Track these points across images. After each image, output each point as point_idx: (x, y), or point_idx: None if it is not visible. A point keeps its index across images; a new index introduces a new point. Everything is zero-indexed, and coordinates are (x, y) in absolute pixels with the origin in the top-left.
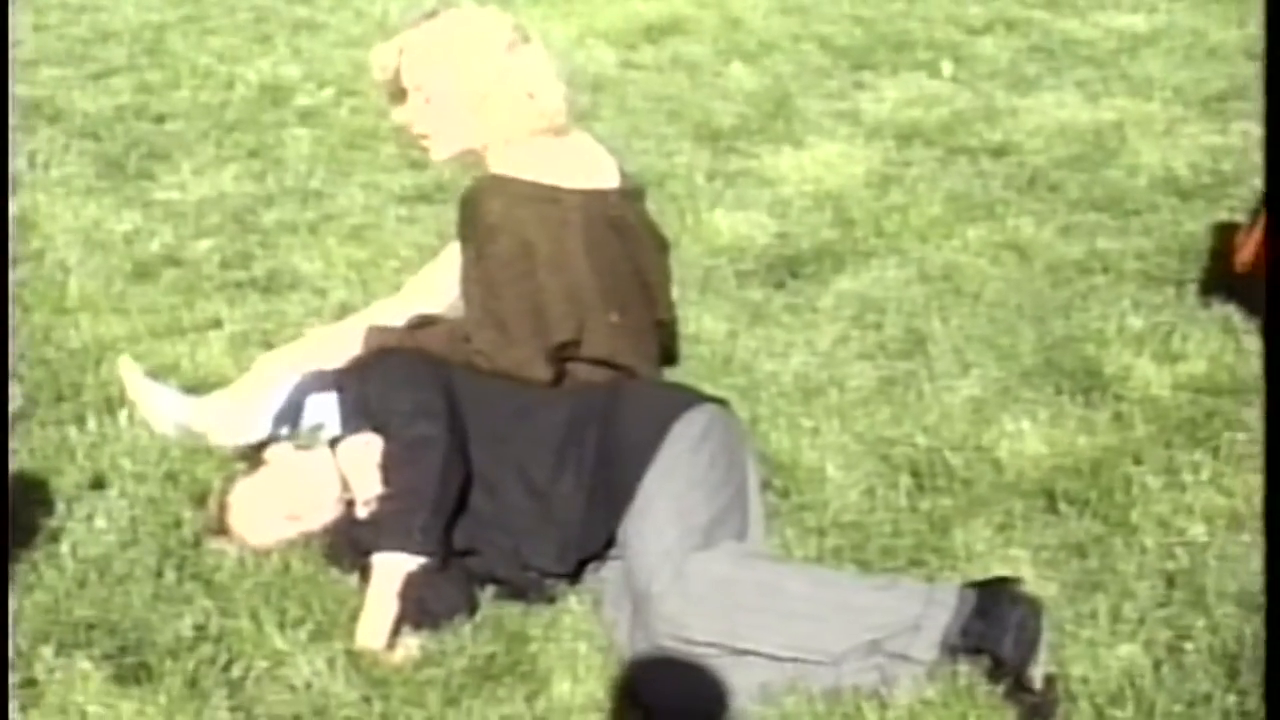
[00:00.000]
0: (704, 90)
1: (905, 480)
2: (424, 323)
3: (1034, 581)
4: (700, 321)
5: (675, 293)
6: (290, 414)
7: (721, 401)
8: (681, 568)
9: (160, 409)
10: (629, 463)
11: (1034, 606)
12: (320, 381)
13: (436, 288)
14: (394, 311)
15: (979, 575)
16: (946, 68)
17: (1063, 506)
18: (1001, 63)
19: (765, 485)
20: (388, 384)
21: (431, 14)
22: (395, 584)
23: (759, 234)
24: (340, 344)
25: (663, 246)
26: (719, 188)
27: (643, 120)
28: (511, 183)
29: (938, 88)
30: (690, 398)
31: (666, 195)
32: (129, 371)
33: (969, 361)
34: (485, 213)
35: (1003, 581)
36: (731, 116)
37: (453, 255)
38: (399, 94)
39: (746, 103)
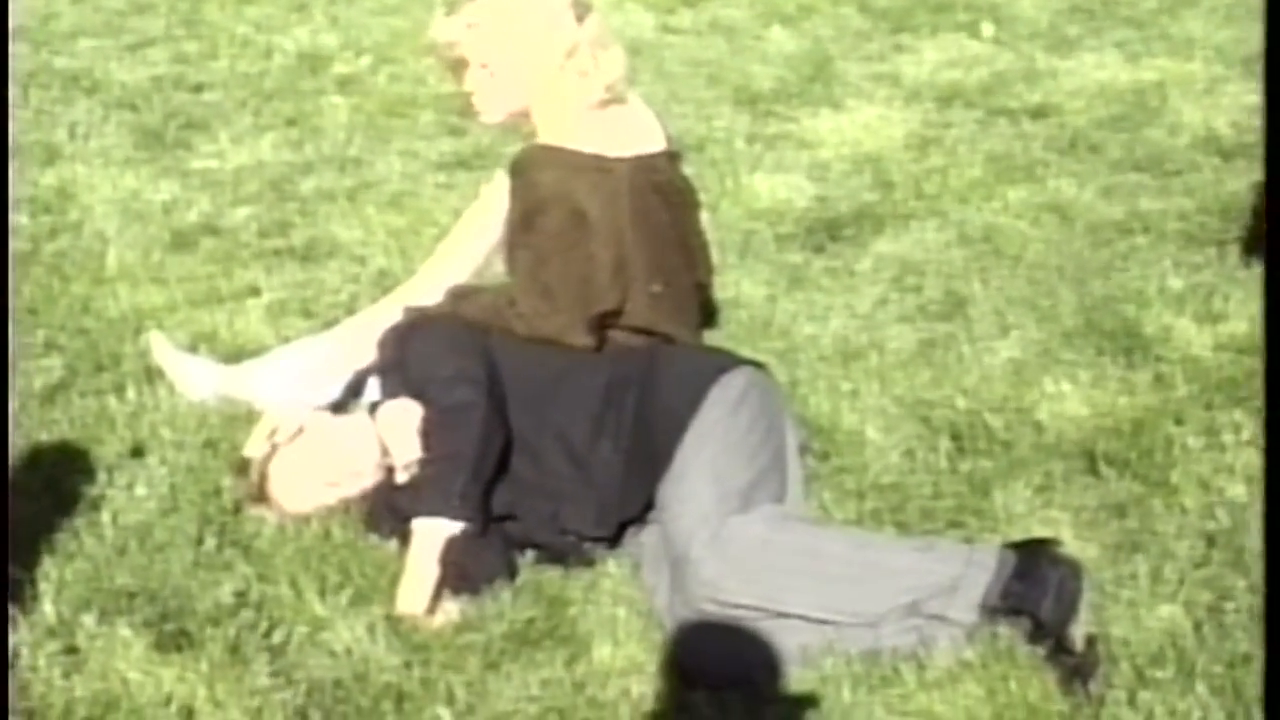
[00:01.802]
0: (743, 54)
1: (945, 442)
2: (464, 292)
3: (1074, 543)
4: (739, 285)
5: (714, 256)
6: (356, 388)
7: (759, 364)
8: (719, 531)
9: (195, 379)
10: (667, 426)
11: (1074, 568)
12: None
13: (463, 256)
14: (427, 289)
15: (1019, 537)
16: (986, 29)
17: (1103, 468)
18: (1041, 23)
19: (804, 448)
20: (427, 350)
21: None
22: (435, 549)
23: (798, 197)
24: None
25: (698, 207)
26: (758, 151)
27: (681, 85)
28: (563, 153)
29: (977, 49)
30: (727, 361)
31: (706, 160)
32: (159, 345)
33: (1009, 323)
34: (537, 183)
35: (1042, 543)
36: (770, 80)
37: (477, 222)
38: (458, 64)
39: (785, 66)
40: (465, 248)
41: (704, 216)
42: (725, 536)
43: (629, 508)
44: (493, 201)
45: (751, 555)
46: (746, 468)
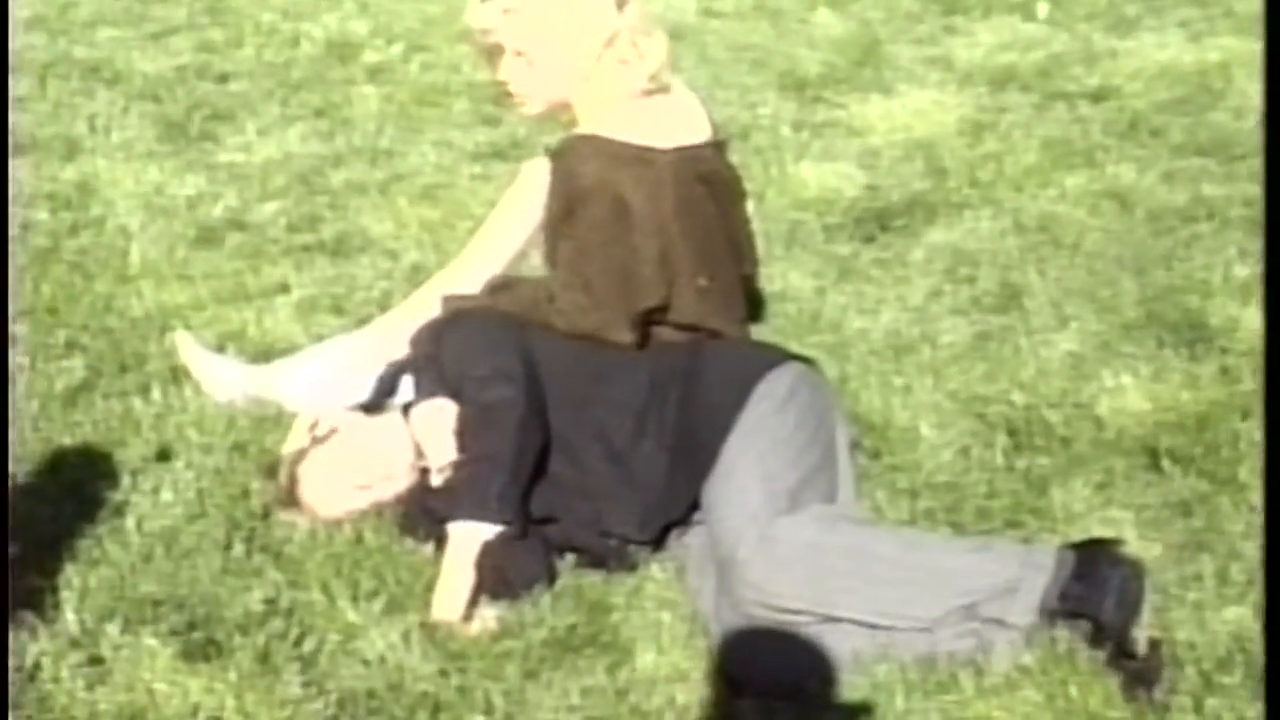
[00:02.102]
0: (788, 37)
1: (1001, 439)
2: (502, 285)
3: (1136, 543)
4: (787, 278)
5: (761, 247)
6: (386, 386)
7: (807, 360)
8: (767, 532)
9: (222, 379)
10: (712, 425)
11: (1136, 568)
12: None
13: (500, 245)
14: (463, 279)
15: (1078, 537)
16: (1042, 9)
17: (1166, 464)
18: (1099, 2)
19: (855, 446)
20: (462, 347)
21: None
22: (471, 553)
23: (847, 186)
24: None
25: (744, 197)
26: (805, 139)
27: (725, 70)
28: (605, 143)
29: (1033, 30)
30: (774, 356)
31: (751, 148)
32: (185, 344)
33: (1067, 315)
34: (579, 175)
35: (1103, 543)
36: (817, 64)
37: (514, 208)
38: (494, 52)
39: (833, 50)
40: (502, 235)
41: (749, 206)
42: (773, 537)
43: (673, 509)
44: (531, 187)
45: (801, 557)
46: (795, 466)
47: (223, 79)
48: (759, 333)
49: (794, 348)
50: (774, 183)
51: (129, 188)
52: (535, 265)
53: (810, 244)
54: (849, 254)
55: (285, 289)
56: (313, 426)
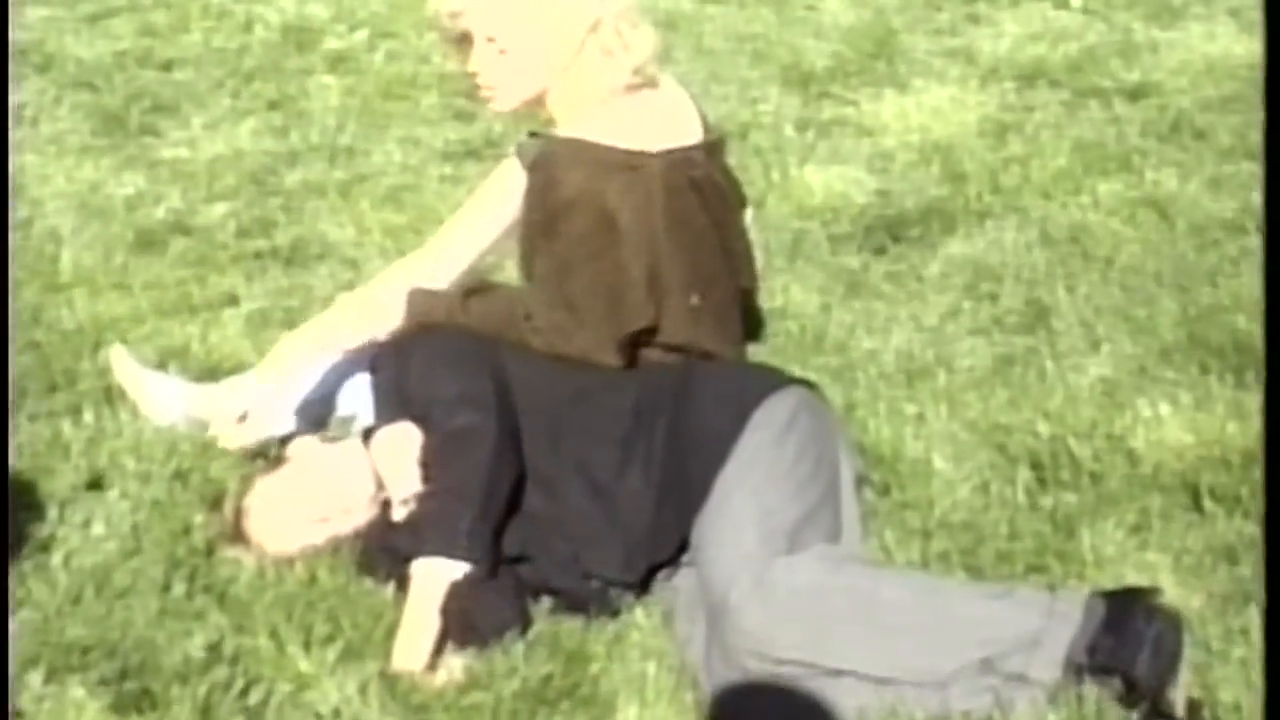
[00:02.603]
0: (793, 26)
1: (1024, 474)
2: (476, 289)
3: (1175, 591)
4: (789, 293)
5: (760, 259)
6: (321, 403)
7: (809, 384)
8: (763, 574)
9: (161, 400)
10: (703, 455)
11: (1173, 620)
12: (355, 365)
13: (467, 239)
14: (428, 269)
15: (1109, 584)
16: None
17: (1208, 504)
18: None
19: (862, 481)
20: (429, 366)
21: None
22: (437, 596)
23: (856, 192)
24: (377, 313)
25: (742, 204)
26: (810, 139)
27: (723, 62)
28: (589, 148)
29: (1065, 20)
30: (774, 380)
31: (750, 149)
32: (120, 361)
33: (1099, 336)
34: (560, 184)
35: (1137, 591)
36: (825, 57)
37: (483, 210)
38: (463, 40)
39: (842, 41)
40: (470, 232)
41: (748, 215)
42: (770, 581)
43: (660, 548)
44: (505, 187)
45: (800, 603)
46: (795, 502)
47: (166, 67)
48: (757, 354)
49: (796, 370)
50: (776, 188)
51: (60, 186)
52: (510, 276)
53: (815, 256)
54: (858, 267)
55: (234, 300)
56: (243, 417)
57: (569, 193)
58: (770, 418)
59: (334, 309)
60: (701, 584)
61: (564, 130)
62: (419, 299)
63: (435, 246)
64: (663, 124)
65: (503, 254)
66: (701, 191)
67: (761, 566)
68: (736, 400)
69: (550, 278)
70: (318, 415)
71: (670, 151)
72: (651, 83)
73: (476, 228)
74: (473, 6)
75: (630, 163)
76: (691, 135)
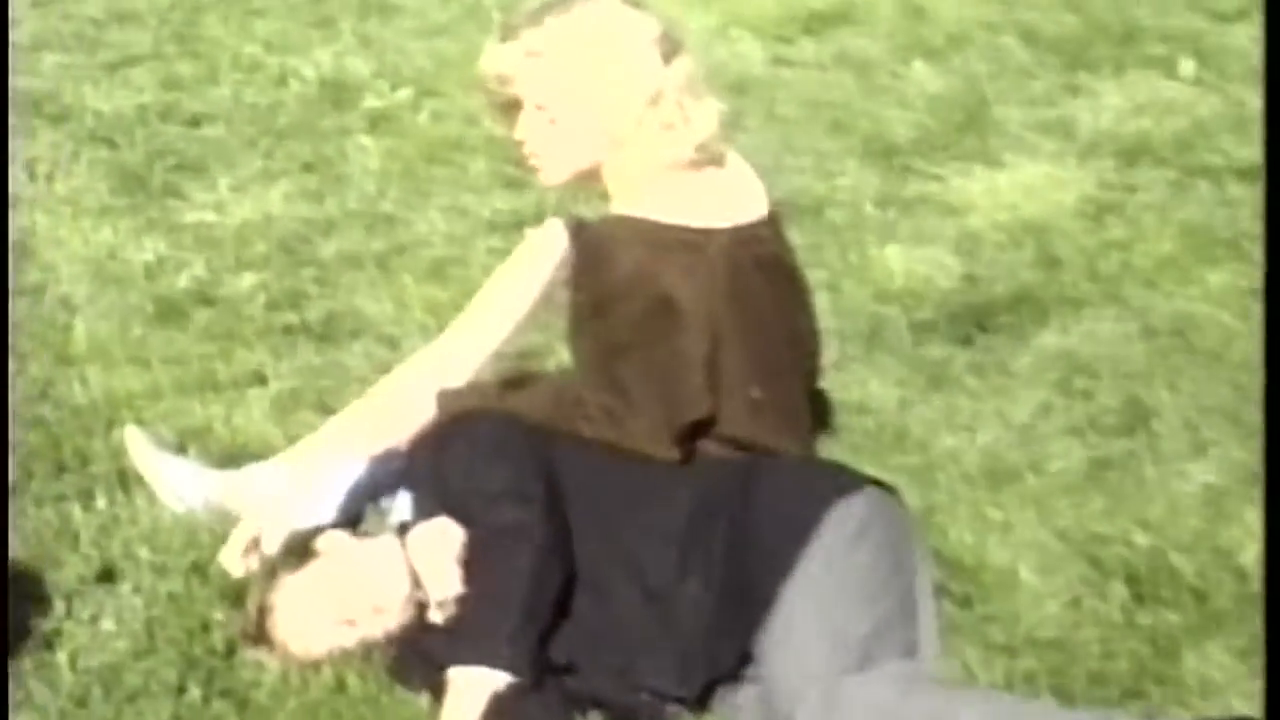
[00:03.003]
0: (876, 95)
1: (1120, 589)
2: (516, 382)
3: None
4: (866, 386)
5: (835, 349)
6: (355, 497)
7: (886, 486)
8: (834, 693)
9: (180, 485)
10: (769, 562)
11: None
12: (394, 457)
13: (499, 320)
14: (456, 357)
15: (1215, 713)
16: (1186, 66)
17: None
18: (1256, 58)
19: (941, 591)
20: (470, 458)
21: (561, 6)
22: (476, 707)
23: (941, 276)
24: (404, 416)
25: (806, 285)
26: (892, 217)
27: (797, 131)
28: (646, 226)
29: (1174, 91)
30: (846, 480)
31: (826, 226)
32: (136, 442)
33: (1205, 439)
34: (615, 264)
35: None
36: (909, 128)
37: (517, 281)
38: (511, 106)
39: (929, 111)
40: (503, 307)
41: (817, 298)
42: (841, 700)
43: (720, 662)
44: (542, 256)
45: None
46: (867, 615)
47: (193, 122)
48: (831, 450)
49: (872, 470)
50: (853, 270)
51: (75, 249)
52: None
53: (895, 345)
54: (941, 358)
55: (261, 379)
56: (253, 544)
57: (623, 273)
58: (842, 521)
59: (354, 411)
60: (765, 702)
61: (619, 206)
62: (449, 400)
63: (463, 326)
64: (725, 199)
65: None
66: (767, 272)
67: (831, 685)
68: (805, 503)
69: (601, 362)
70: (352, 510)
71: (735, 229)
72: (716, 160)
73: (510, 303)
74: (523, 71)
75: (690, 241)
76: (755, 210)
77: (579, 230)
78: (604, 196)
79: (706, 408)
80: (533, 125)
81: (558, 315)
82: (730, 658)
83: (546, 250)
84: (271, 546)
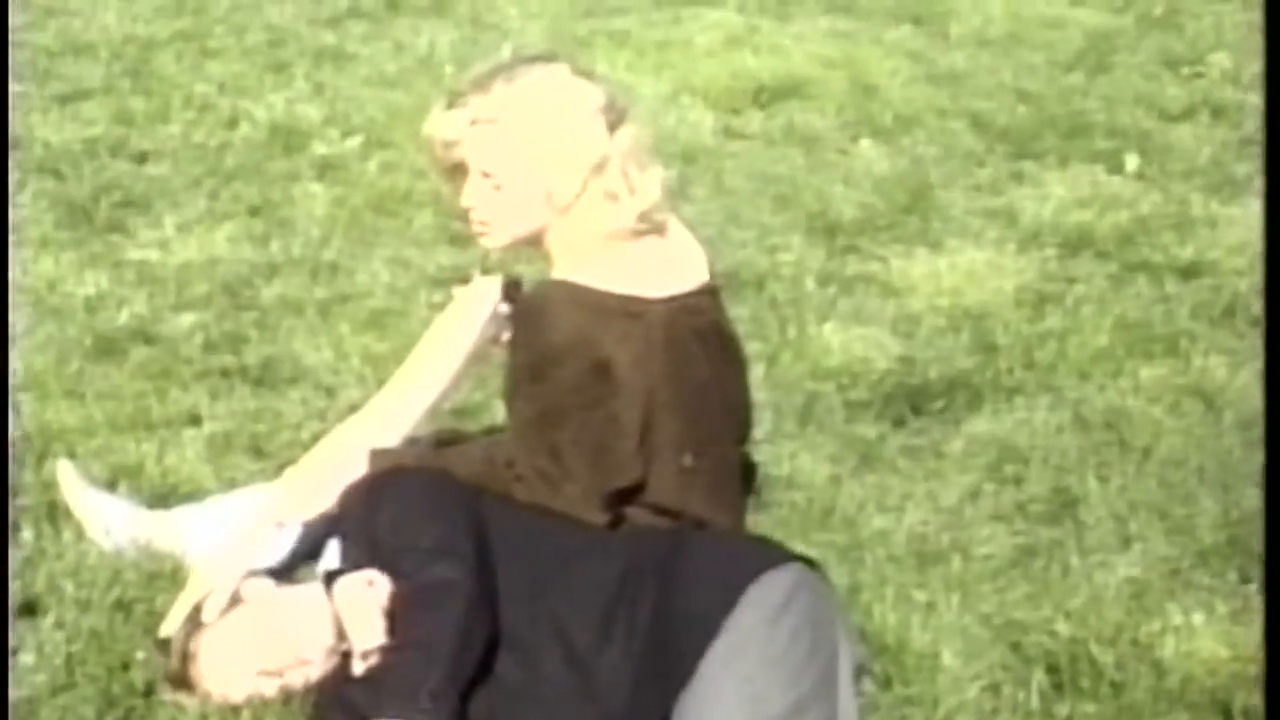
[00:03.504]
0: (822, 172)
1: (1040, 677)
2: (450, 439)
3: None
4: (796, 461)
5: (769, 422)
6: (304, 554)
7: (810, 562)
8: None
9: (108, 522)
10: (689, 633)
11: None
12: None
13: (431, 379)
14: (390, 417)
15: None
16: (1131, 161)
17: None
18: (1201, 158)
19: (862, 671)
20: (402, 512)
21: (508, 73)
22: None
23: (878, 356)
24: (335, 483)
25: (742, 356)
26: (832, 295)
27: (743, 204)
28: (585, 293)
29: (1117, 186)
30: (771, 555)
31: (766, 299)
32: (67, 477)
33: (1131, 533)
34: (553, 329)
35: None
36: (854, 207)
37: (450, 338)
38: (457, 170)
39: (874, 191)
40: (437, 366)
41: (757, 371)
42: None
43: None
44: (474, 310)
45: None
46: (787, 691)
47: (141, 159)
48: (759, 524)
49: (799, 546)
50: (790, 345)
51: (15, 279)
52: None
53: (828, 423)
54: (874, 438)
55: (195, 420)
56: (197, 609)
57: (560, 338)
58: (765, 596)
59: (287, 476)
60: None
61: (560, 272)
62: (382, 460)
63: (397, 387)
64: (665, 268)
65: (478, 383)
66: (706, 341)
67: None
68: (728, 575)
69: (536, 424)
70: (289, 568)
71: (673, 298)
72: (658, 229)
73: (442, 360)
74: (469, 138)
75: (629, 309)
76: (695, 279)
77: (516, 291)
78: (546, 260)
79: (636, 474)
80: (478, 191)
81: (494, 372)
82: None
83: (478, 305)
84: (211, 615)
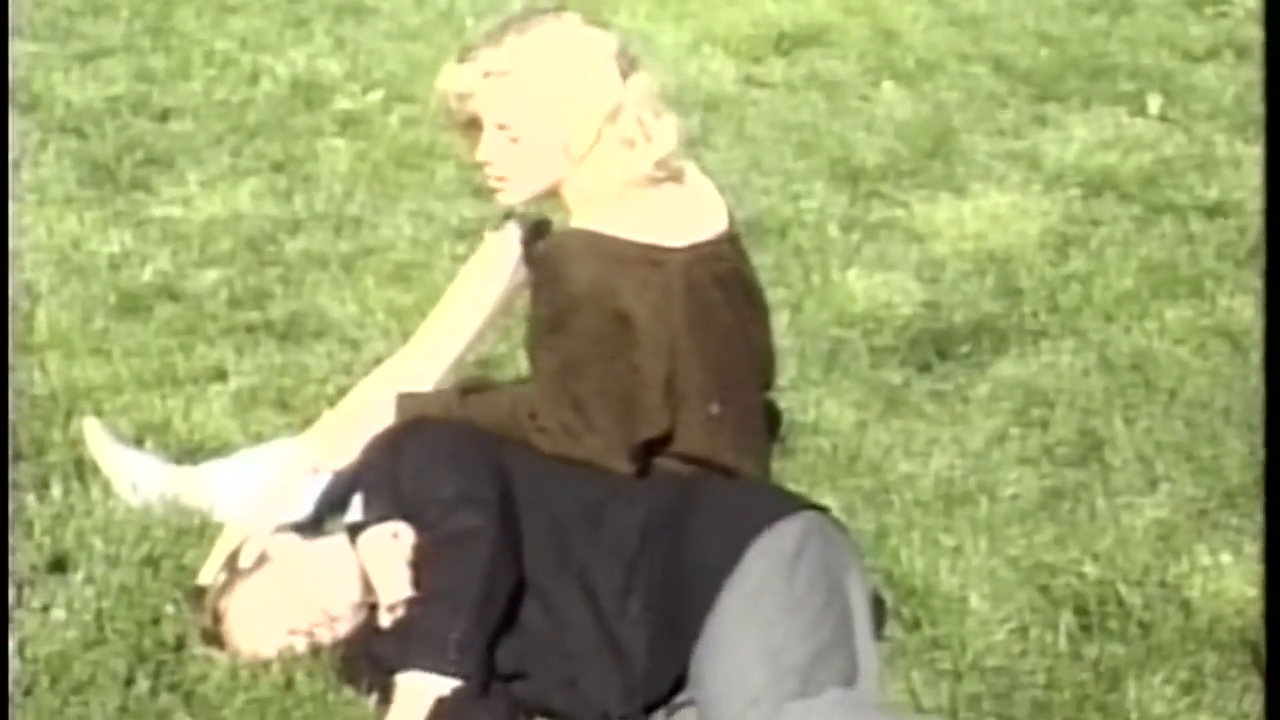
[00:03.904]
0: (845, 118)
1: (1068, 618)
2: (473, 388)
3: None
4: (822, 407)
5: (794, 369)
6: (332, 504)
7: (823, 509)
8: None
9: (136, 478)
10: (697, 586)
11: None
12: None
13: (457, 329)
14: (417, 367)
15: None
16: (1154, 102)
17: (1270, 666)
18: (1225, 98)
19: (890, 615)
20: (425, 463)
21: (520, 25)
22: (422, 711)
23: (903, 302)
24: (365, 427)
25: (764, 301)
26: (856, 241)
27: (765, 152)
28: (605, 241)
29: (1141, 127)
30: (783, 504)
31: (790, 246)
32: (94, 434)
33: (1158, 474)
34: (572, 279)
35: None
36: (877, 153)
37: (474, 288)
38: (471, 125)
39: (897, 136)
40: (462, 316)
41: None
42: None
43: (655, 686)
44: (497, 261)
45: None
46: (807, 640)
47: (163, 116)
48: (785, 470)
49: (824, 491)
50: (815, 292)
51: (39, 238)
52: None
53: (853, 369)
54: (899, 383)
55: (221, 375)
56: (234, 556)
57: (580, 288)
58: (776, 545)
59: (318, 427)
60: None
61: (578, 221)
62: (409, 404)
63: (422, 340)
64: (684, 216)
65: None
66: (727, 289)
67: (771, 711)
68: (737, 525)
69: (557, 376)
70: (322, 515)
71: (694, 246)
72: (676, 176)
73: (468, 312)
74: (483, 91)
75: (649, 257)
76: (715, 227)
77: (536, 238)
78: (565, 211)
79: (664, 424)
80: (494, 145)
81: (518, 323)
82: (665, 682)
83: (502, 254)
84: (248, 562)
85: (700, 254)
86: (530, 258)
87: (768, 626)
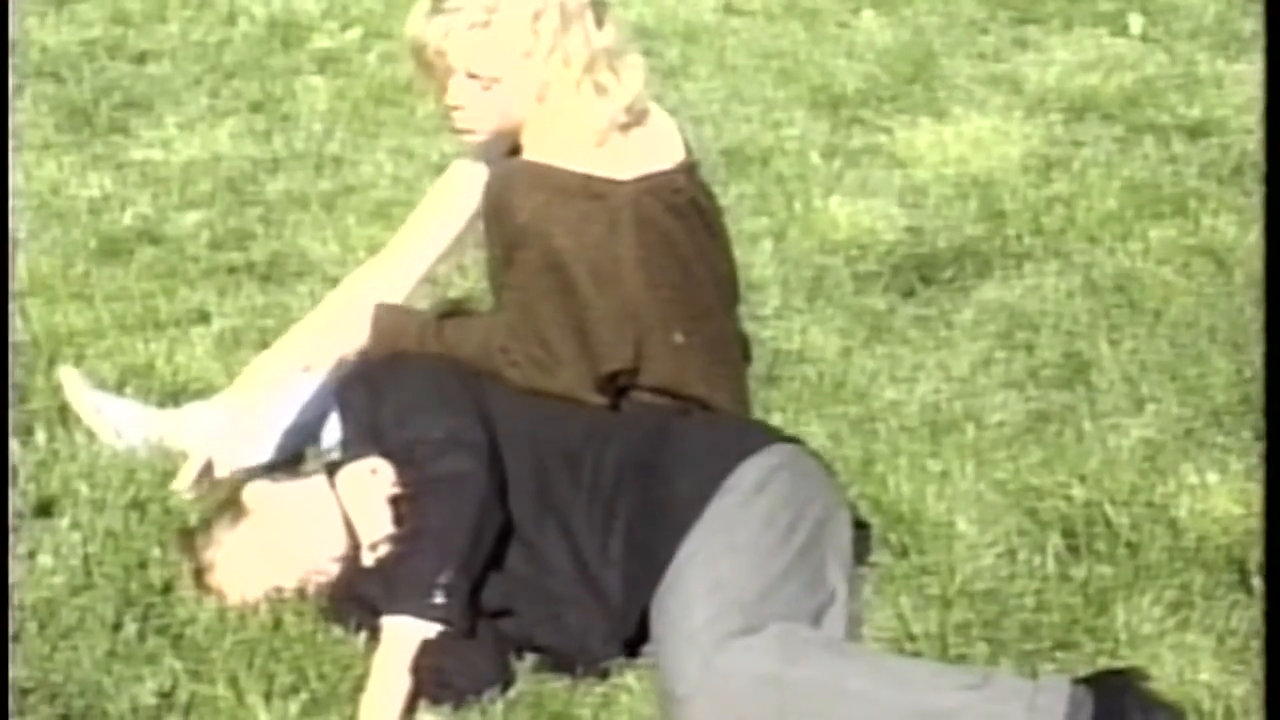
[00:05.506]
0: (824, 44)
1: (1055, 541)
2: (450, 312)
3: (1218, 676)
4: (807, 335)
5: (778, 298)
6: (300, 432)
7: (795, 441)
8: (714, 660)
9: (118, 423)
10: (668, 524)
11: (1173, 712)
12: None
13: (424, 248)
14: (388, 277)
15: (1144, 663)
16: (1134, 22)
17: (1257, 582)
18: (1206, 16)
19: (879, 542)
20: (410, 401)
21: None
22: (408, 655)
23: (886, 228)
24: (342, 330)
25: (724, 229)
26: (838, 168)
27: (745, 80)
28: (546, 173)
29: (1122, 48)
30: (755, 439)
31: (771, 175)
32: (72, 383)
33: (1144, 395)
34: (514, 209)
35: (1126, 677)
36: (857, 79)
37: (439, 210)
38: (441, 72)
39: (877, 62)
40: (429, 236)
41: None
42: (719, 668)
43: (629, 625)
44: (460, 184)
45: (755, 695)
46: (757, 573)
47: (140, 59)
48: (770, 398)
49: (810, 419)
50: (797, 219)
51: (18, 184)
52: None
53: (837, 296)
54: (883, 309)
55: (204, 318)
56: (206, 470)
57: (521, 220)
58: (739, 483)
59: (296, 329)
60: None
61: (529, 154)
62: (386, 317)
63: (393, 252)
64: (640, 151)
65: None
66: (683, 217)
67: (710, 650)
68: (709, 463)
69: (518, 309)
70: (296, 446)
71: (644, 177)
72: (640, 119)
73: (434, 230)
74: (455, 41)
75: (591, 188)
76: (670, 158)
77: (490, 179)
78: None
79: (626, 357)
80: (465, 91)
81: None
82: (634, 622)
83: (470, 178)
84: (223, 472)
85: (650, 185)
86: (485, 190)
87: (715, 562)
